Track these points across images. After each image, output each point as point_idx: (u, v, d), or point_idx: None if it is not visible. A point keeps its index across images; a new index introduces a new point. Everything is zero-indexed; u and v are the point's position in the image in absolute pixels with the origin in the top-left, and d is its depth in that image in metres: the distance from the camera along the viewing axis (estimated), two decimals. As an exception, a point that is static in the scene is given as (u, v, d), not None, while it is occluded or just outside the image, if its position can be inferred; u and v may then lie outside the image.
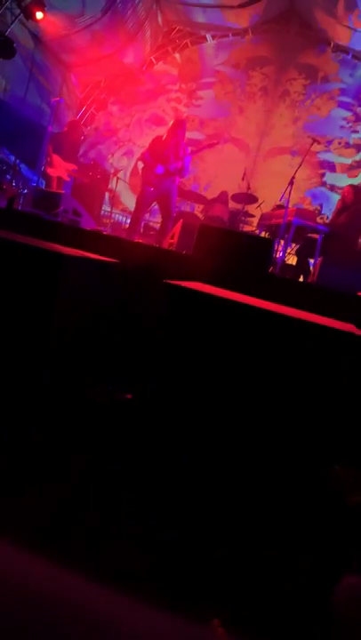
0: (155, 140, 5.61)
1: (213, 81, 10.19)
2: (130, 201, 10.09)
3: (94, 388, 2.74)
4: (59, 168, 6.74)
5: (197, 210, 9.31)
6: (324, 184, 9.49)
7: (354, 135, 9.31)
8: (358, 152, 9.30)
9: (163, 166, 5.45)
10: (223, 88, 10.15)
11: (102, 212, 9.19)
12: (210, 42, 10.12)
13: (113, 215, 9.29)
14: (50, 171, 6.74)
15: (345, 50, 9.17)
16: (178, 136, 5.48)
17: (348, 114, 9.35)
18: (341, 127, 9.39)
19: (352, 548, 1.82)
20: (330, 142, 9.36)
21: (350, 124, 9.33)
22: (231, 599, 1.37)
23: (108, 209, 9.19)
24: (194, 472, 1.86)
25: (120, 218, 10.01)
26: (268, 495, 1.82)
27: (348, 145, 9.34)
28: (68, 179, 6.87)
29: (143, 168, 5.77)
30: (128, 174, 10.38)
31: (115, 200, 9.77)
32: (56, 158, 6.70)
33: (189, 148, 5.78)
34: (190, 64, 10.35)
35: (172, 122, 5.70)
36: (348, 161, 9.35)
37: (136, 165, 10.08)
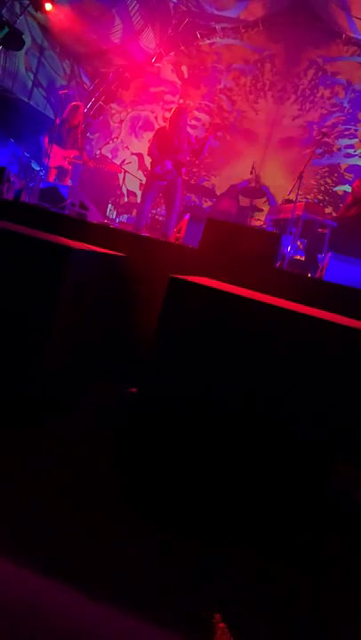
0: (158, 133, 5.57)
1: (212, 107, 10.11)
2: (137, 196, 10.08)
3: (98, 381, 2.73)
4: (57, 157, 6.63)
5: (205, 204, 9.27)
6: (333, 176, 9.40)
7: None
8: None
9: (171, 160, 5.42)
10: (219, 114, 10.08)
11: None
12: (219, 40, 10.04)
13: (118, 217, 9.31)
14: (49, 162, 6.66)
15: (356, 42, 9.06)
16: (180, 125, 5.43)
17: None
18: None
19: (353, 547, 1.81)
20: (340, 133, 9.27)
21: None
22: (232, 601, 1.35)
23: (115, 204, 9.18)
24: (196, 468, 1.85)
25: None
26: (270, 493, 1.80)
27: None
28: (69, 167, 6.73)
29: (152, 162, 5.74)
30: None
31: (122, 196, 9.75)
32: (54, 148, 6.59)
33: (194, 136, 5.71)
34: (195, 80, 10.27)
35: (172, 111, 5.65)
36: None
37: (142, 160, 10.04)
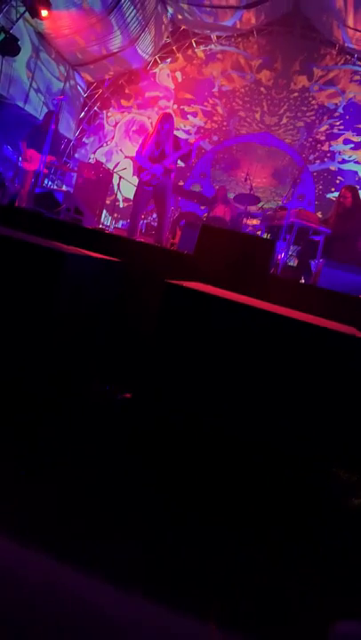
0: (145, 139, 5.58)
1: (207, 110, 10.21)
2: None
3: (92, 387, 2.73)
4: (35, 162, 6.65)
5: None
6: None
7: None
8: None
9: (160, 165, 5.42)
10: (212, 117, 10.16)
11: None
12: (214, 47, 10.13)
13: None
14: (26, 165, 6.64)
15: (349, 51, 9.17)
16: (165, 130, 5.44)
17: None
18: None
19: (352, 550, 1.82)
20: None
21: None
22: (229, 600, 1.36)
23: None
24: (193, 472, 1.86)
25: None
26: (267, 497, 1.81)
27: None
28: (46, 170, 6.72)
29: (138, 167, 5.76)
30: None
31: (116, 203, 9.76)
32: (31, 152, 6.60)
33: (190, 139, 5.73)
34: (189, 86, 10.35)
35: (158, 117, 5.66)
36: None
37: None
